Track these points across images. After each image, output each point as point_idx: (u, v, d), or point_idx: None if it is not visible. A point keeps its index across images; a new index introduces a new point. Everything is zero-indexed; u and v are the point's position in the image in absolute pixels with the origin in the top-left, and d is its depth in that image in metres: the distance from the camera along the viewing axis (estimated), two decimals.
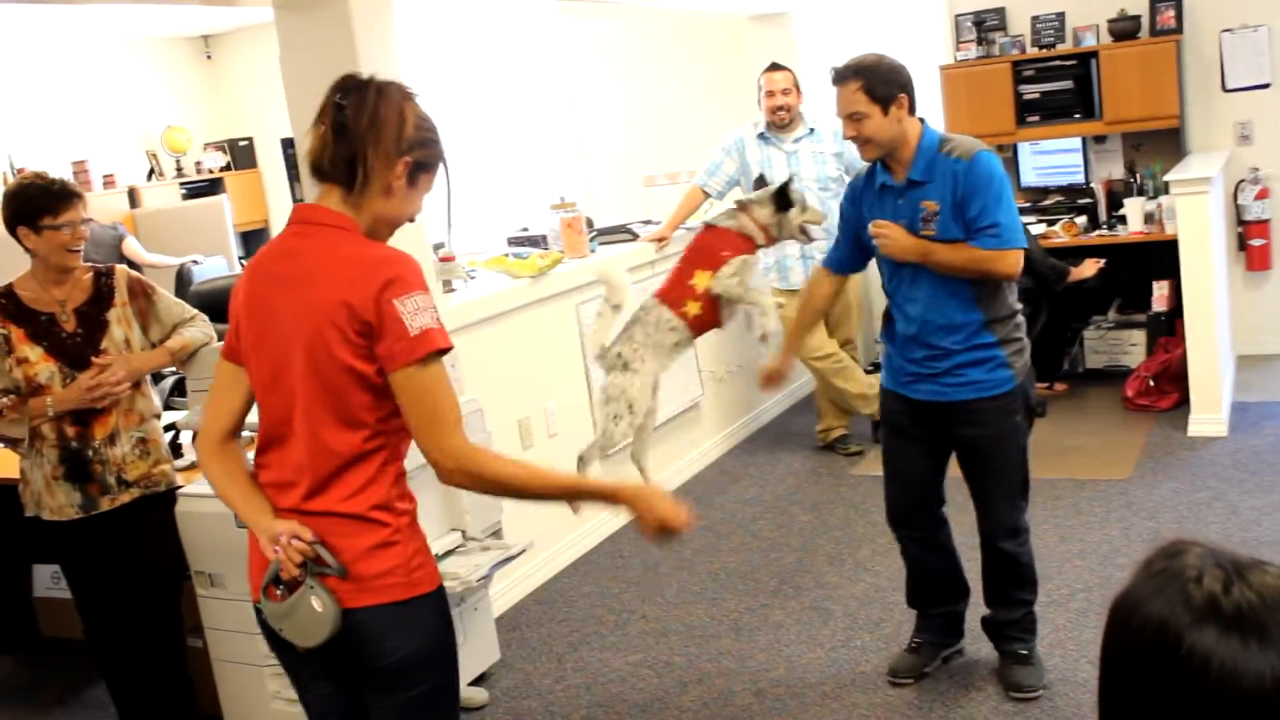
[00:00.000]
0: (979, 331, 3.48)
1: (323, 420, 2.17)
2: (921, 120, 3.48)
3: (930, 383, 3.56)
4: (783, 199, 3.60)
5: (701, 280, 3.55)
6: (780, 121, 6.02)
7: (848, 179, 5.92)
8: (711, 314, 3.59)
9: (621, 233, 6.07)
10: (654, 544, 2.53)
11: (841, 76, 3.43)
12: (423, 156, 2.26)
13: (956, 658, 3.91)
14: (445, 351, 2.18)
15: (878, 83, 3.38)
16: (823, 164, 5.98)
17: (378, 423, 2.19)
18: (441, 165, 2.34)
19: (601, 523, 5.45)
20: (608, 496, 2.36)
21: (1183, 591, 1.14)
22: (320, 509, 2.20)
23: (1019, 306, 3.58)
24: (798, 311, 3.97)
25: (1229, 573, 1.14)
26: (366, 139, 2.19)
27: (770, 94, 6.02)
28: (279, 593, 2.21)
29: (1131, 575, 1.22)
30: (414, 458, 2.25)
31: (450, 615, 2.39)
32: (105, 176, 8.65)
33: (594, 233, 5.85)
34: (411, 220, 2.33)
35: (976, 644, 3.91)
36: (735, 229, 3.60)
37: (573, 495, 2.35)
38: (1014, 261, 3.40)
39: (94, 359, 3.53)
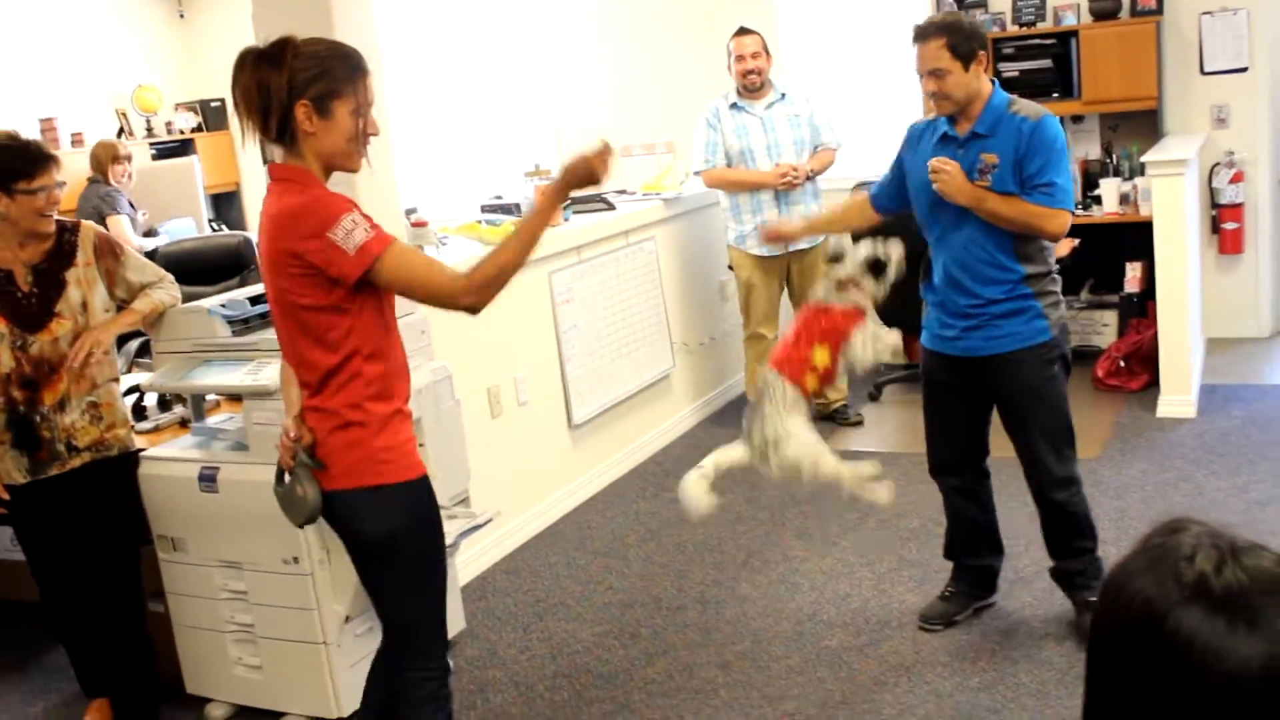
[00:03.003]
0: (1018, 284, 3.57)
1: (302, 343, 2.62)
2: (993, 81, 3.58)
3: (968, 337, 3.63)
4: (877, 268, 3.62)
5: (821, 357, 3.56)
6: (751, 85, 5.98)
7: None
8: (826, 383, 3.69)
9: (596, 201, 6.03)
10: (596, 177, 2.67)
11: (925, 33, 3.52)
12: (317, 91, 2.52)
13: (987, 610, 4.01)
14: (389, 245, 2.53)
15: (961, 39, 3.48)
16: (798, 127, 5.97)
17: (341, 339, 2.58)
18: (356, 76, 2.57)
19: (569, 494, 5.43)
20: (558, 197, 2.69)
21: (1174, 569, 1.12)
22: (319, 405, 2.66)
23: (1056, 265, 3.67)
24: (833, 211, 3.95)
25: (1223, 553, 1.12)
26: (256, 108, 2.54)
27: (740, 58, 5.98)
28: (286, 480, 2.72)
29: (1132, 549, 1.20)
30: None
31: (428, 504, 2.77)
32: (73, 135, 8.52)
33: (569, 201, 5.80)
34: (358, 140, 2.59)
35: (912, 632, 3.93)
36: (849, 304, 3.62)
37: (543, 222, 2.62)
38: (1062, 222, 3.53)
39: (51, 325, 3.47)
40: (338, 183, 2.69)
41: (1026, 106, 3.56)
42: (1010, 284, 3.57)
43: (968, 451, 3.88)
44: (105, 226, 6.84)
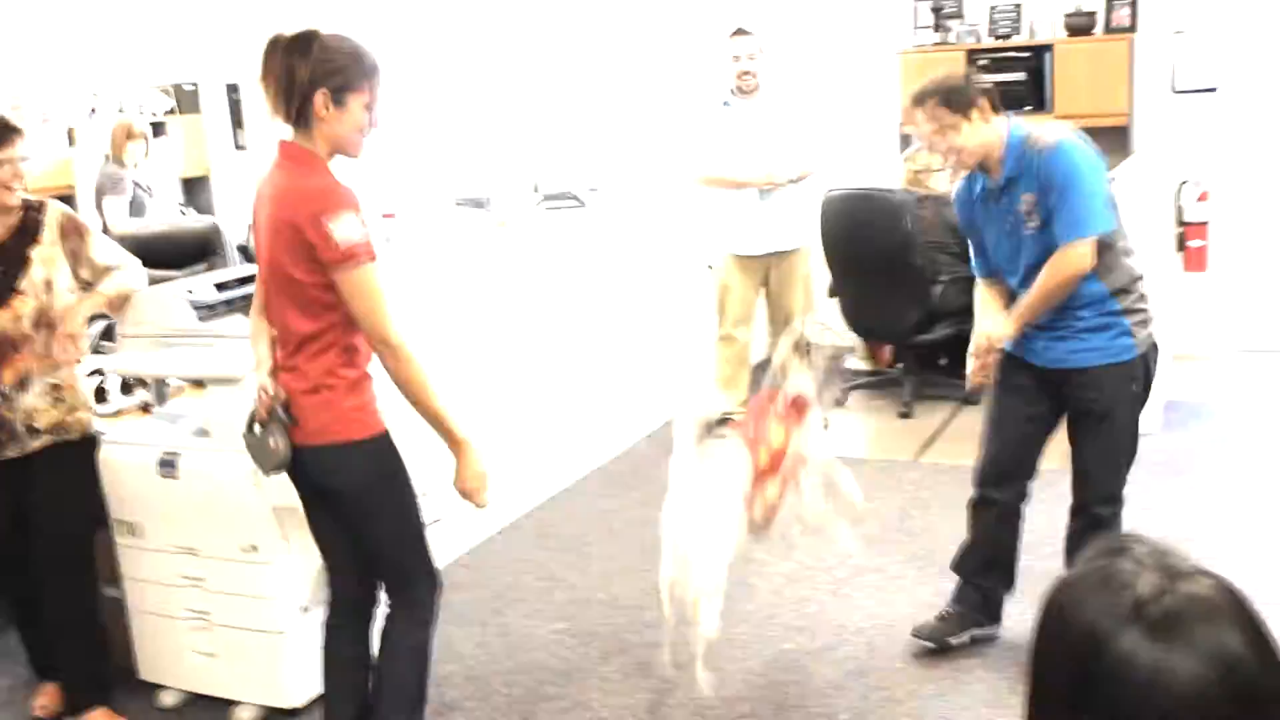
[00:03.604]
0: (1104, 300, 3.53)
1: (289, 311, 2.84)
2: (1007, 116, 3.55)
3: (1054, 347, 3.61)
4: (799, 348, 3.86)
5: (778, 435, 3.90)
6: (747, 86, 5.98)
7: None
8: (770, 473, 3.90)
9: (568, 199, 6.03)
10: (463, 497, 3.00)
11: (918, 100, 3.53)
12: (336, 84, 2.76)
13: (987, 641, 3.88)
14: (369, 261, 2.75)
15: (953, 94, 3.49)
16: (786, 130, 5.97)
17: (323, 311, 2.80)
18: (371, 74, 2.83)
19: (530, 490, 5.42)
20: (454, 440, 2.90)
21: (1116, 595, 1.15)
22: (295, 366, 2.87)
23: (1141, 274, 3.62)
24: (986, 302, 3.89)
25: (1162, 578, 1.15)
26: (279, 91, 2.76)
27: (736, 59, 5.98)
28: (257, 430, 2.89)
29: (1075, 567, 1.22)
30: None
31: (394, 458, 2.97)
32: (44, 116, 8.43)
33: (541, 198, 5.81)
34: (363, 131, 2.85)
35: (868, 636, 3.95)
36: (794, 396, 3.86)
37: (435, 424, 2.87)
38: (1078, 253, 3.40)
39: (13, 302, 3.44)
40: None
41: (1040, 138, 3.47)
42: (1096, 304, 3.53)
43: (1022, 464, 3.82)
44: (102, 206, 6.77)
